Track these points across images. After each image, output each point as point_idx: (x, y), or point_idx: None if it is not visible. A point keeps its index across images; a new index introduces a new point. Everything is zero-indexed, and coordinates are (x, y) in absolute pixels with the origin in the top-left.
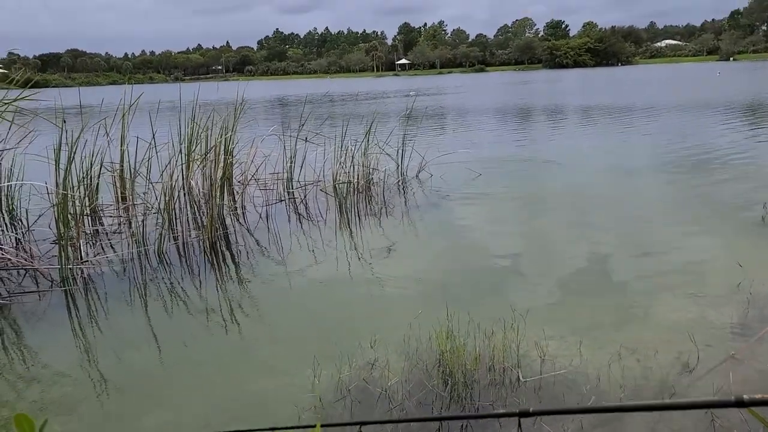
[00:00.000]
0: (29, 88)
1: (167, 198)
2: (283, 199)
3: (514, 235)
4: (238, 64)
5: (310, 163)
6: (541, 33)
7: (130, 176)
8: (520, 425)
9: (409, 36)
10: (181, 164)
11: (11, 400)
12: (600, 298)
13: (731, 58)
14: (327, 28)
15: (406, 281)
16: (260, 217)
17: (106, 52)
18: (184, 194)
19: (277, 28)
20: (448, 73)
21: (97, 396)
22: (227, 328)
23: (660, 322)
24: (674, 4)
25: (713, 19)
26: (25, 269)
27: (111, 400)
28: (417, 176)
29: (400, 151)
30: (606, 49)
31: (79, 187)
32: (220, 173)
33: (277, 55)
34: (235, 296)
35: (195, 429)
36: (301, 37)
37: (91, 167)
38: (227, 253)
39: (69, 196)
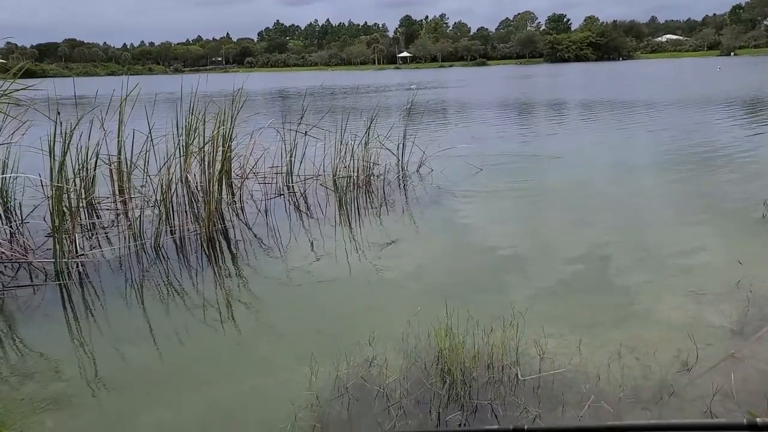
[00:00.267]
0: (26, 78)
1: (165, 191)
2: (282, 193)
3: (513, 231)
4: (239, 55)
5: (309, 156)
6: (543, 27)
7: (127, 169)
8: None
9: (410, 29)
10: (179, 157)
11: (5, 394)
12: (600, 295)
13: (732, 53)
14: (328, 19)
15: (406, 277)
16: (259, 211)
17: (104, 43)
18: (182, 187)
19: (277, 20)
20: (450, 66)
21: (92, 391)
22: (224, 323)
23: (660, 320)
24: None
25: (714, 14)
26: (19, 263)
27: (106, 396)
28: (417, 171)
29: (401, 146)
30: (607, 43)
31: (74, 180)
32: (218, 166)
33: (278, 47)
34: (233, 291)
35: (191, 425)
36: (302, 28)
37: (87, 159)
38: (225, 248)
39: (64, 188)
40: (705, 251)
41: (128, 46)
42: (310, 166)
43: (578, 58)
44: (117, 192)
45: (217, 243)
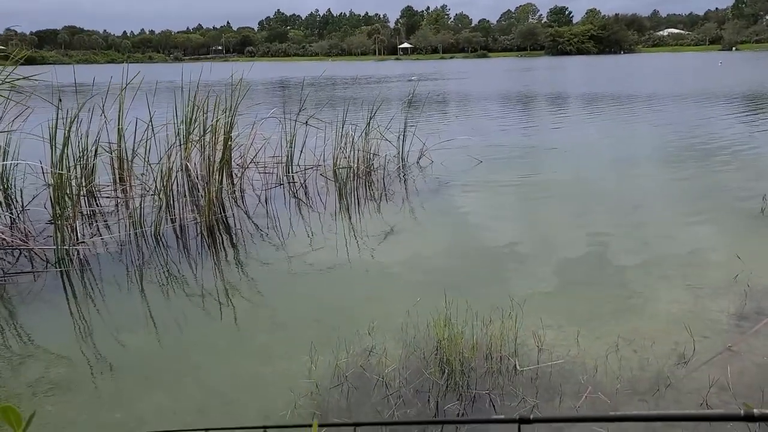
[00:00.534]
0: (25, 65)
1: (165, 179)
2: (282, 183)
3: (513, 223)
4: (239, 44)
5: (310, 147)
6: (544, 19)
7: (128, 157)
8: (519, 431)
9: (411, 20)
10: (180, 145)
11: (6, 380)
12: (598, 288)
13: (734, 48)
14: (329, 9)
15: (405, 268)
16: (259, 200)
17: (104, 30)
18: (183, 176)
19: (278, 9)
20: (451, 58)
21: (92, 378)
22: (224, 312)
23: (658, 313)
24: None
25: (716, 8)
26: (20, 249)
27: (106, 382)
28: (417, 162)
29: (401, 137)
30: (609, 36)
31: (75, 167)
32: (218, 155)
33: (278, 37)
34: (233, 280)
35: (189, 411)
36: (303, 18)
37: (88, 147)
38: (225, 237)
39: (65, 175)
40: (704, 245)
41: (128, 34)
42: (311, 157)
43: (579, 52)
44: (117, 180)
45: (217, 232)
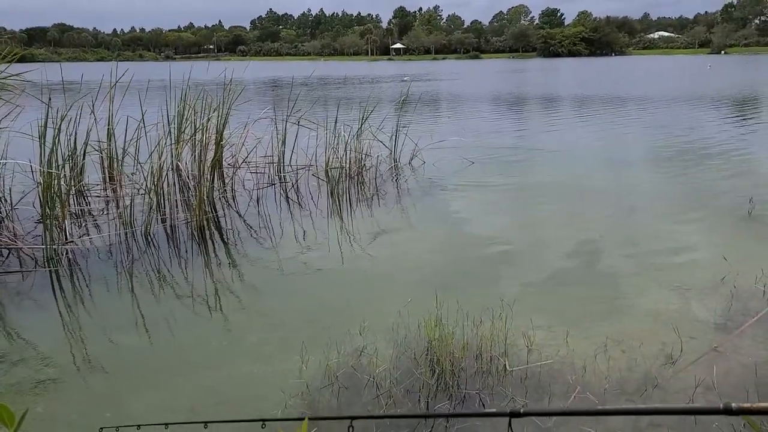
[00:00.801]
0: (15, 62)
1: (156, 179)
2: (274, 183)
3: (504, 224)
4: (231, 43)
5: (302, 147)
6: (536, 21)
7: (118, 156)
8: (510, 425)
9: (404, 20)
10: (170, 144)
11: None
12: (588, 289)
13: (722, 52)
14: (321, 9)
15: (396, 268)
16: (250, 200)
17: (95, 28)
18: (173, 176)
19: (270, 8)
20: (443, 59)
21: (82, 377)
22: (215, 311)
23: (646, 313)
24: None
25: (706, 12)
26: (8, 249)
27: (95, 383)
28: (410, 163)
29: (394, 138)
30: (600, 38)
31: (64, 166)
32: (210, 155)
33: (270, 36)
34: (224, 280)
35: (180, 411)
36: (295, 17)
37: (77, 146)
38: (216, 237)
39: (54, 174)
40: (692, 247)
41: (119, 32)
42: (303, 157)
43: (571, 53)
44: (108, 179)
45: (208, 231)
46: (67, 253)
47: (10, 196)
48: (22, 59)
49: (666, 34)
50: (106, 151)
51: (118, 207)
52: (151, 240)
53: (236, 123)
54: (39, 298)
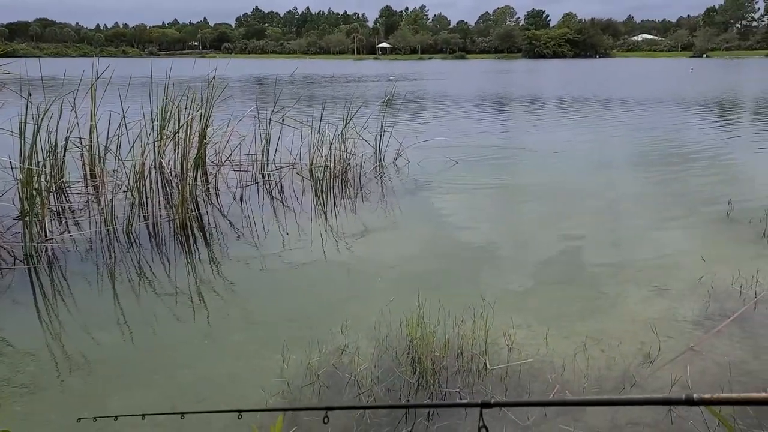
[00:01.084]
0: None
1: (138, 176)
2: (257, 181)
3: (487, 224)
4: (216, 40)
5: (286, 145)
6: (522, 22)
7: (100, 153)
8: (482, 415)
9: (390, 20)
10: (153, 142)
11: None
12: (568, 288)
13: (704, 55)
14: (308, 7)
15: (379, 267)
16: (234, 198)
17: (77, 23)
18: (156, 173)
19: (256, 6)
20: (429, 59)
21: (60, 376)
22: (196, 310)
23: (625, 313)
24: None
25: (689, 16)
26: None
27: (75, 381)
28: (394, 162)
29: (378, 137)
30: (585, 40)
31: (45, 163)
32: (193, 153)
33: (256, 33)
34: (206, 278)
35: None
36: (281, 15)
37: (57, 143)
38: (199, 235)
39: (34, 171)
40: (671, 248)
41: (101, 27)
42: (287, 155)
43: (556, 55)
44: (89, 176)
45: (191, 230)
46: (46, 251)
47: None
48: (2, 54)
49: (649, 36)
50: (87, 147)
51: (99, 204)
52: (133, 238)
53: (220, 120)
54: (17, 295)
